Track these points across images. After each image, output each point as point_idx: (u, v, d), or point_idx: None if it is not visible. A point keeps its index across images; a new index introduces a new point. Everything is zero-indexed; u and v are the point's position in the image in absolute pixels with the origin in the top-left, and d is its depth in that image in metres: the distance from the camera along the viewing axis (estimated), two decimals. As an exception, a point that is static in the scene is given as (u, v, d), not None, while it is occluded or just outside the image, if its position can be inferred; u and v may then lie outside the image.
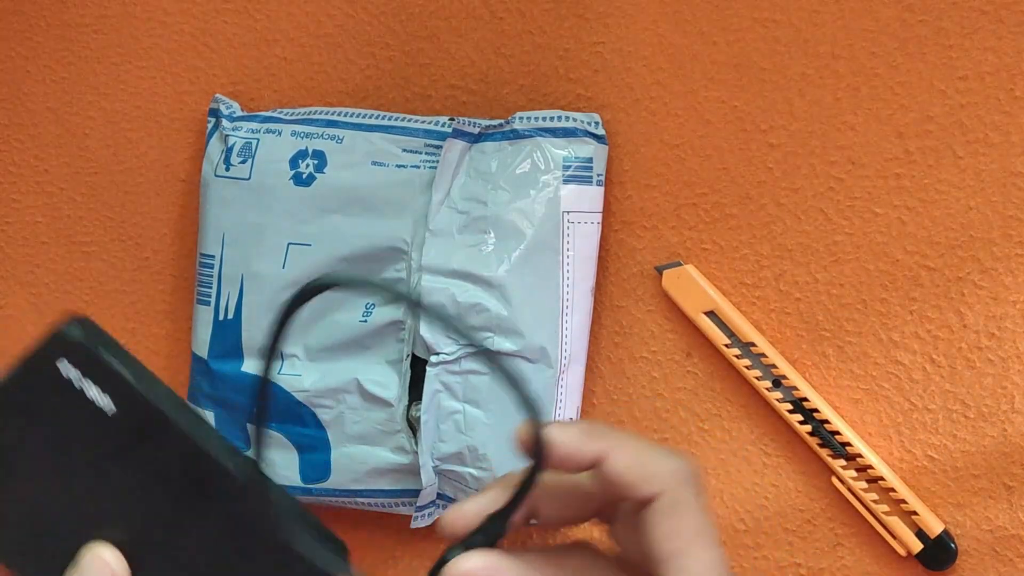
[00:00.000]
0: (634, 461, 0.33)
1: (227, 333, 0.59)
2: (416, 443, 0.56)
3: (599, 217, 0.56)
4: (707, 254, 0.57)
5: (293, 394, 0.58)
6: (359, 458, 0.58)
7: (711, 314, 0.56)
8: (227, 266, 0.59)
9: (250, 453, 0.32)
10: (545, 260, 0.55)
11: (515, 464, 0.56)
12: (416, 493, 0.57)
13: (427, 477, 0.56)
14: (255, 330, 0.59)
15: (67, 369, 0.31)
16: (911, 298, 0.54)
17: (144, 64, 0.65)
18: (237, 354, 0.59)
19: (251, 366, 0.59)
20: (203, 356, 0.60)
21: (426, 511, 0.57)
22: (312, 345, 0.58)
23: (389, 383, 0.57)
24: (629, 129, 0.58)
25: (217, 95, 0.62)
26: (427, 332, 0.55)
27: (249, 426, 0.59)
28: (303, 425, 0.58)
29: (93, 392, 0.31)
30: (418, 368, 0.56)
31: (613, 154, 0.58)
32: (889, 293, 0.55)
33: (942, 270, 0.54)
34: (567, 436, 0.33)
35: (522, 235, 0.55)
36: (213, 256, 0.60)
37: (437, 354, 0.55)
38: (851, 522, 0.56)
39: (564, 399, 0.56)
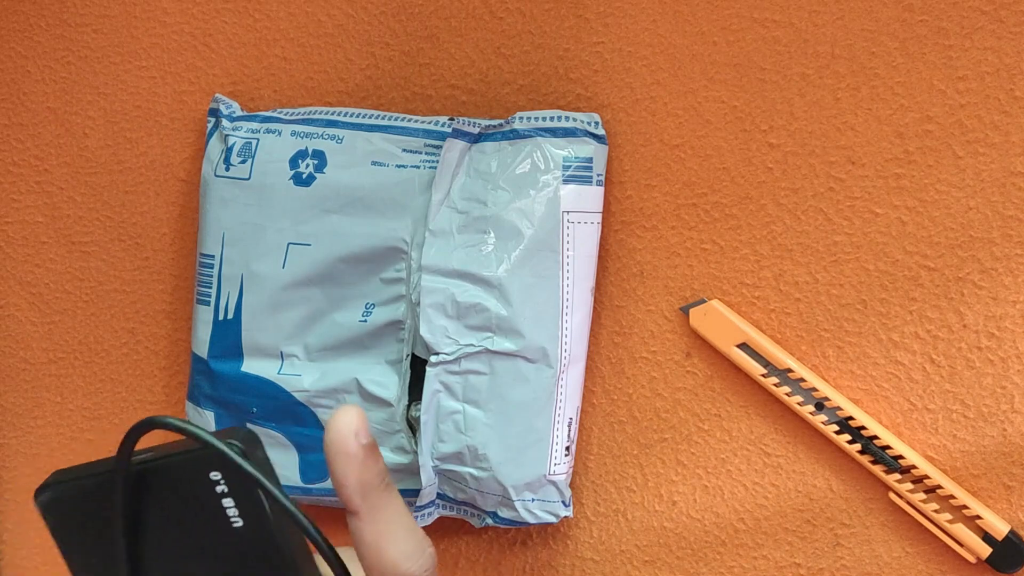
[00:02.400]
0: (374, 540, 0.34)
1: (227, 333, 0.59)
2: (416, 443, 0.56)
3: (599, 217, 0.56)
4: (707, 254, 0.57)
5: (293, 394, 0.58)
6: (359, 458, 0.58)
7: (743, 346, 0.56)
8: (227, 266, 0.59)
9: None
10: (545, 260, 0.55)
11: (515, 465, 0.56)
12: (416, 493, 0.57)
13: (427, 477, 0.56)
14: (255, 330, 0.59)
15: (219, 483, 0.34)
16: (911, 298, 0.54)
17: (144, 64, 0.65)
18: (237, 354, 0.59)
19: (251, 366, 0.59)
20: (203, 356, 0.60)
21: (426, 511, 0.57)
22: (312, 345, 0.58)
23: (389, 383, 0.57)
24: (629, 129, 0.58)
25: (217, 95, 0.62)
26: (427, 332, 0.55)
27: (249, 425, 0.59)
28: (303, 425, 0.58)
29: (231, 508, 0.34)
30: (418, 368, 0.56)
31: (613, 154, 0.58)
32: (889, 293, 0.55)
33: (942, 270, 0.54)
34: (346, 474, 0.34)
35: (522, 235, 0.55)
36: (213, 256, 0.60)
37: (437, 354, 0.55)
38: (851, 522, 0.56)
39: (564, 399, 0.56)
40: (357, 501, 0.34)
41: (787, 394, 0.55)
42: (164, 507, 0.34)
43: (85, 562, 0.36)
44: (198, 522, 0.34)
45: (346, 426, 0.34)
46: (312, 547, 0.35)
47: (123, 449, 0.34)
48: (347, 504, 0.34)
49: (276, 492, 0.33)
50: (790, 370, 0.55)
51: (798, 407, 0.55)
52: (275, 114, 0.60)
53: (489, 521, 0.57)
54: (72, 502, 0.35)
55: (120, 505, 0.34)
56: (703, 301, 0.57)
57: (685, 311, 0.57)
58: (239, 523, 0.34)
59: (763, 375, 0.56)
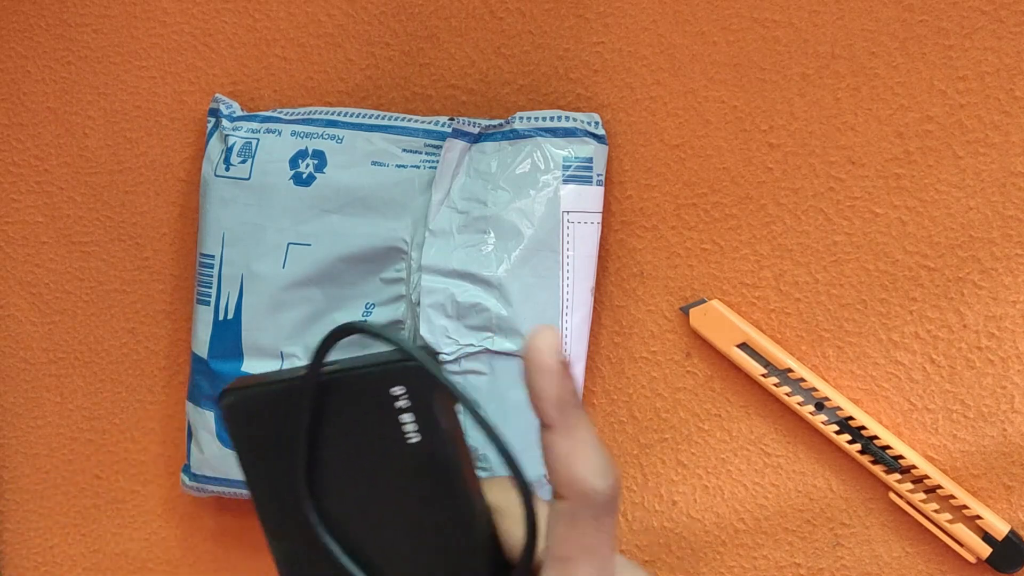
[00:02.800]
0: (566, 454, 0.35)
1: (227, 333, 0.59)
2: (416, 443, 0.56)
3: (599, 217, 0.56)
4: (707, 254, 0.57)
5: (293, 394, 0.58)
6: (359, 458, 0.58)
7: (743, 346, 0.56)
8: (227, 266, 0.59)
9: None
10: (545, 260, 0.55)
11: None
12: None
13: (427, 477, 0.56)
14: (255, 330, 0.59)
15: (400, 399, 0.34)
16: (911, 298, 0.54)
17: (144, 64, 0.65)
18: (237, 354, 0.59)
19: (251, 366, 0.59)
20: (203, 356, 0.60)
21: (426, 511, 0.57)
22: (312, 345, 0.58)
23: (389, 383, 0.57)
24: (629, 129, 0.58)
25: (217, 95, 0.62)
26: (427, 332, 0.55)
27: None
28: (303, 425, 0.58)
29: (409, 424, 0.34)
30: (418, 368, 0.56)
31: (613, 154, 0.58)
32: (889, 293, 0.55)
33: (942, 270, 0.54)
34: (544, 388, 0.34)
35: (522, 235, 0.55)
36: (213, 256, 0.60)
37: (437, 354, 0.55)
38: (851, 522, 0.56)
39: (564, 399, 0.56)
40: (553, 414, 0.34)
41: (787, 394, 0.55)
42: (342, 418, 0.34)
43: (260, 466, 0.36)
44: (374, 434, 0.34)
45: (545, 342, 0.34)
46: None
47: (317, 356, 0.33)
48: (543, 418, 0.34)
49: (480, 410, 0.33)
50: (790, 370, 0.55)
51: (798, 407, 0.55)
52: (275, 114, 0.60)
53: (489, 521, 0.57)
54: (254, 407, 0.35)
55: (306, 413, 0.34)
56: (703, 301, 0.57)
57: (685, 311, 0.57)
58: (414, 439, 0.34)
59: (763, 375, 0.56)
